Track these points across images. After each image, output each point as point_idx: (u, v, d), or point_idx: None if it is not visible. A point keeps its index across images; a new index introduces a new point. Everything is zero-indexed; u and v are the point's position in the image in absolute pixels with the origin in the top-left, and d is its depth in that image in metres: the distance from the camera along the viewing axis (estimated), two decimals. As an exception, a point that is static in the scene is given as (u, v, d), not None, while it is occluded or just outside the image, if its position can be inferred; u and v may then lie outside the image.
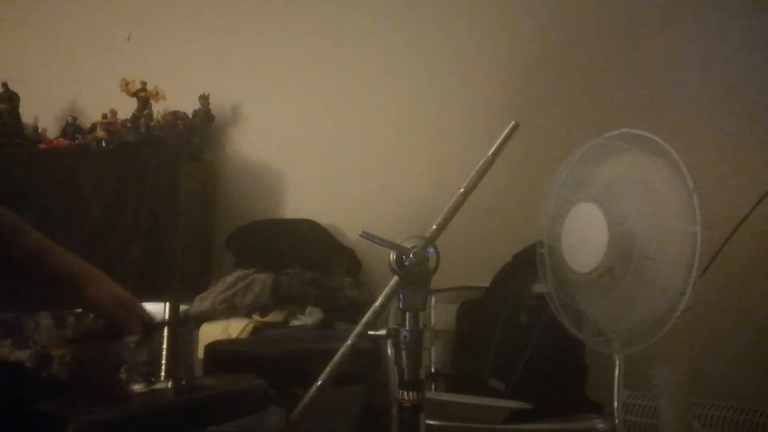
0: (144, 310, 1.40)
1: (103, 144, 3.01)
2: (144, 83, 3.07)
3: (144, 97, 3.07)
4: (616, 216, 1.53)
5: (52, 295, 1.39)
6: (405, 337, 1.06)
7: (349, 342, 1.14)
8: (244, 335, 2.59)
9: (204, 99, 3.16)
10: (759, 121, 2.64)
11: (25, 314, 2.91)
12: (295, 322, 2.70)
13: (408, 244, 1.07)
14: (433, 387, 2.49)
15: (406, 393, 1.06)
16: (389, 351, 2.18)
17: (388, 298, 1.13)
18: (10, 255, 1.35)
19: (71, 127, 3.21)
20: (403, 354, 1.07)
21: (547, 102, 2.88)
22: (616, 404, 2.00)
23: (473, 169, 1.15)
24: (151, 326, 1.42)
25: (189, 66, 3.31)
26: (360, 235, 1.08)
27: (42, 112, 3.36)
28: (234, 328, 2.63)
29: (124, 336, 1.39)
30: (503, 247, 2.61)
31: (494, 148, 1.15)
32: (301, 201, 3.17)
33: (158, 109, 3.10)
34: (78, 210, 2.85)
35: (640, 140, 1.58)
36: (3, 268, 1.39)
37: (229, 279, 2.79)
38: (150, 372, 2.71)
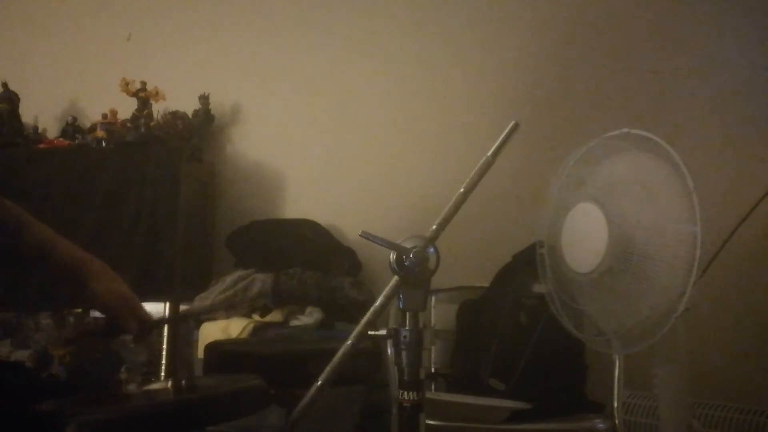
0: (143, 309, 1.40)
1: (103, 144, 3.01)
2: (144, 83, 3.07)
3: (144, 97, 3.06)
4: (616, 216, 1.53)
5: (57, 288, 1.40)
6: (405, 337, 1.06)
7: (349, 342, 1.14)
8: (244, 335, 2.59)
9: (204, 99, 3.15)
10: (759, 121, 2.64)
11: (25, 314, 2.91)
12: (295, 322, 2.70)
13: (408, 244, 1.07)
14: (433, 387, 2.49)
15: (406, 393, 1.06)
16: (389, 351, 2.17)
17: (388, 298, 1.13)
18: (16, 246, 1.36)
19: (71, 127, 3.20)
20: (403, 354, 1.06)
21: (548, 102, 2.88)
22: (616, 404, 1.99)
23: (473, 169, 1.14)
24: (149, 325, 1.42)
25: (189, 66, 3.31)
26: (360, 235, 1.08)
27: (42, 112, 3.35)
28: (234, 328, 2.63)
29: (122, 333, 1.39)
30: (503, 247, 2.61)
31: (494, 148, 1.15)
32: (301, 201, 3.16)
33: (158, 109, 3.10)
34: (78, 210, 2.85)
35: (640, 140, 1.58)
36: (9, 260, 1.39)
37: (229, 279, 2.79)
38: (150, 372, 2.71)
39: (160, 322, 1.44)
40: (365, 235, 1.08)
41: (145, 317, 1.40)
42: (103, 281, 1.36)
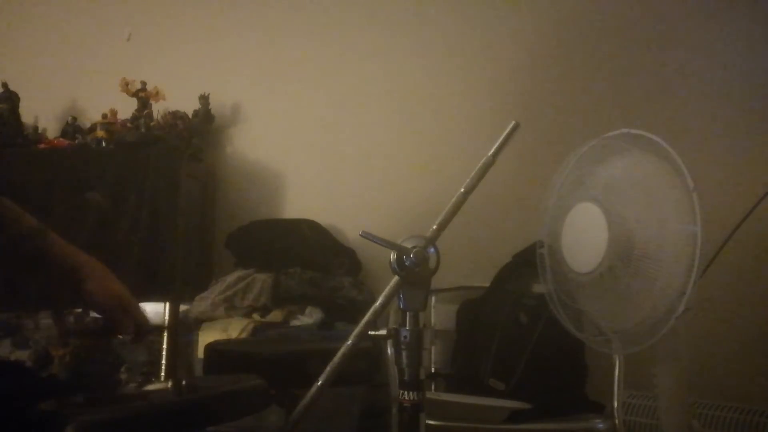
0: (139, 311, 1.39)
1: (103, 144, 3.01)
2: (144, 83, 3.07)
3: (144, 97, 3.07)
4: (616, 216, 1.53)
5: (52, 288, 1.39)
6: (405, 337, 1.06)
7: (349, 342, 1.14)
8: (244, 335, 2.59)
9: (204, 99, 3.16)
10: (759, 121, 2.64)
11: (25, 314, 2.91)
12: (295, 322, 2.70)
13: (408, 244, 1.07)
14: (433, 387, 2.49)
15: (406, 393, 1.06)
16: (389, 351, 2.17)
17: (388, 298, 1.13)
18: (11, 245, 1.35)
19: (71, 127, 3.21)
20: (403, 354, 1.06)
21: (548, 102, 2.88)
22: (616, 404, 2.00)
23: (473, 169, 1.14)
24: (144, 328, 1.41)
25: (189, 66, 3.31)
26: (360, 235, 1.08)
27: (42, 112, 3.36)
28: (234, 328, 2.63)
29: (117, 334, 1.39)
30: (503, 247, 2.61)
31: (494, 148, 1.15)
32: (301, 201, 3.17)
33: (158, 109, 3.10)
34: (78, 210, 2.85)
35: (640, 140, 1.58)
36: (4, 258, 1.38)
37: (229, 279, 2.79)
38: (150, 372, 2.71)
39: (156, 327, 1.43)
40: (365, 235, 1.08)
41: (141, 318, 1.39)
42: (98, 281, 1.35)
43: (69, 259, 1.36)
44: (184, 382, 1.24)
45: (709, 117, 2.69)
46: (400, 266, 1.07)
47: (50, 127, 3.36)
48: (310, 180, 3.18)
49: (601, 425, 2.01)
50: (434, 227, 1.11)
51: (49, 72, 3.44)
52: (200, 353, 2.43)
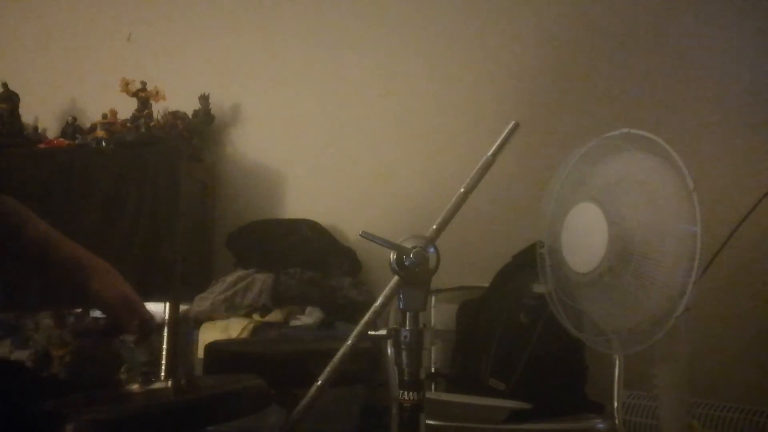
0: (145, 309, 1.40)
1: (103, 144, 3.01)
2: (144, 83, 3.07)
3: (144, 97, 3.06)
4: (616, 216, 1.53)
5: (58, 287, 1.39)
6: (405, 337, 1.06)
7: (349, 342, 1.14)
8: (244, 335, 2.59)
9: (204, 99, 3.16)
10: (759, 121, 2.64)
11: (25, 314, 2.91)
12: (295, 322, 2.70)
13: (408, 244, 1.07)
14: (433, 387, 2.49)
15: (406, 393, 1.06)
16: (389, 351, 2.17)
17: (388, 298, 1.12)
18: (17, 243, 1.35)
19: (71, 127, 3.20)
20: (403, 354, 1.06)
21: (548, 102, 2.88)
22: (616, 404, 2.00)
23: (473, 169, 1.14)
24: (150, 326, 1.42)
25: (189, 66, 3.31)
26: (360, 235, 1.08)
27: (42, 112, 3.36)
28: (234, 328, 2.63)
29: (123, 333, 1.39)
30: (503, 247, 2.61)
31: (494, 148, 1.15)
32: (301, 201, 3.17)
33: (158, 109, 3.10)
34: (78, 210, 2.85)
35: (640, 140, 1.58)
36: (10, 257, 1.38)
37: (229, 279, 2.79)
38: (150, 372, 2.71)
39: (161, 324, 1.44)
40: (365, 235, 1.08)
41: (147, 317, 1.39)
42: (104, 280, 1.35)
43: (75, 260, 1.36)
44: (184, 382, 1.24)
45: (709, 117, 2.69)
46: (400, 266, 1.07)
47: (50, 127, 3.36)
48: (310, 180, 3.18)
49: (601, 425, 2.02)
50: (434, 227, 1.11)
51: (49, 72, 3.44)
52: (200, 353, 2.43)
